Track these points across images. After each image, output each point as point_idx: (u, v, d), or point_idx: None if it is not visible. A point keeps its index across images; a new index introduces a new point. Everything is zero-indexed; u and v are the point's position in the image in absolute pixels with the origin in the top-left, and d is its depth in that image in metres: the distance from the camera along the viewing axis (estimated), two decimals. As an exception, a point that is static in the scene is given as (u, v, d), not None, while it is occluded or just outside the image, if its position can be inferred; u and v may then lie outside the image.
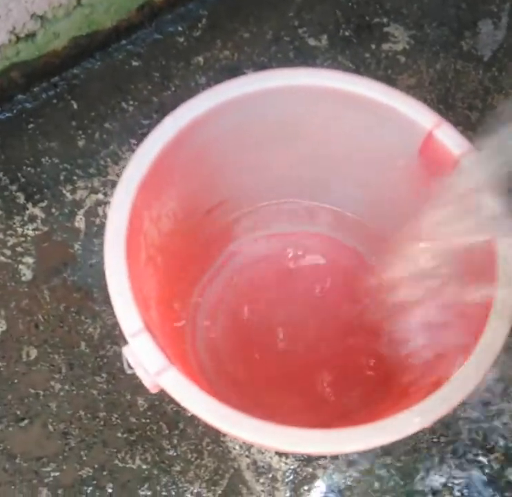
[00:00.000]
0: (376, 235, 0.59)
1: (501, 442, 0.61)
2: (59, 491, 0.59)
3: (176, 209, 0.50)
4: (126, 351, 0.40)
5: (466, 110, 0.73)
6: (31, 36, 0.66)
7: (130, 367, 0.40)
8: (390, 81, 0.74)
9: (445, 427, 0.61)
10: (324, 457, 0.60)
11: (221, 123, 0.48)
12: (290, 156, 0.53)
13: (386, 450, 0.61)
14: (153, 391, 0.40)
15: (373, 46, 0.76)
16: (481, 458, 0.61)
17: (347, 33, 0.76)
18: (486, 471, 0.61)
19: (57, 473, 0.59)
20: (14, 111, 0.72)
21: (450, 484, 0.60)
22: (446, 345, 0.46)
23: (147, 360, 0.39)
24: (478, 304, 0.43)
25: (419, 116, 0.46)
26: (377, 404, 0.51)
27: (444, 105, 0.73)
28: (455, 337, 0.45)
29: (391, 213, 0.56)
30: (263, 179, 0.56)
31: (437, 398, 0.39)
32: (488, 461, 0.61)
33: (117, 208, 0.42)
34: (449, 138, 0.45)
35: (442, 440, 0.61)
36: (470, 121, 0.73)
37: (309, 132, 0.50)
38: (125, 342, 0.41)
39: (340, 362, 0.58)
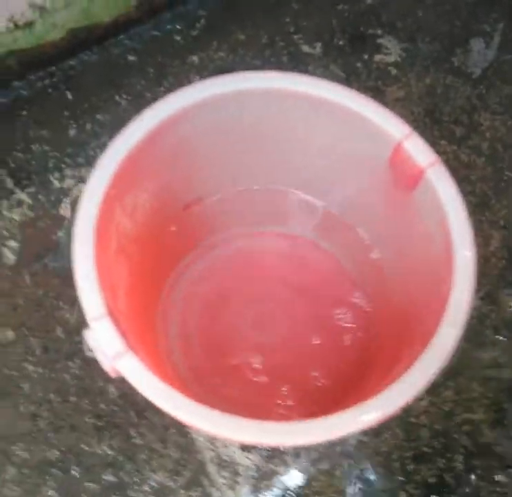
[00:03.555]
0: (353, 238, 0.60)
1: (461, 451, 0.62)
2: (25, 471, 0.60)
3: (151, 201, 0.51)
4: (87, 334, 0.41)
5: (452, 125, 0.75)
6: (29, 25, 0.67)
7: (90, 350, 0.41)
8: (379, 92, 0.76)
9: (406, 433, 0.63)
10: (286, 453, 0.61)
11: (199, 120, 0.49)
12: (265, 156, 0.54)
13: (349, 452, 0.62)
14: (112, 375, 0.42)
15: (365, 56, 0.77)
16: (440, 465, 0.62)
17: (341, 42, 0.78)
18: (446, 478, 0.62)
19: (25, 453, 0.60)
20: (10, 97, 0.73)
21: (409, 490, 0.61)
22: (402, 351, 0.48)
23: (106, 344, 0.40)
24: (433, 310, 0.44)
25: (390, 126, 0.47)
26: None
27: (431, 119, 0.74)
28: (411, 345, 0.46)
29: (368, 218, 0.58)
30: (240, 177, 0.58)
31: (381, 399, 0.40)
32: (447, 469, 0.62)
33: (89, 196, 0.43)
34: (417, 150, 0.46)
35: (404, 445, 0.62)
36: (455, 136, 0.74)
37: (283, 134, 0.52)
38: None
39: (307, 362, 0.60)
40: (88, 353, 0.42)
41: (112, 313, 0.42)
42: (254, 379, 0.60)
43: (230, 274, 0.62)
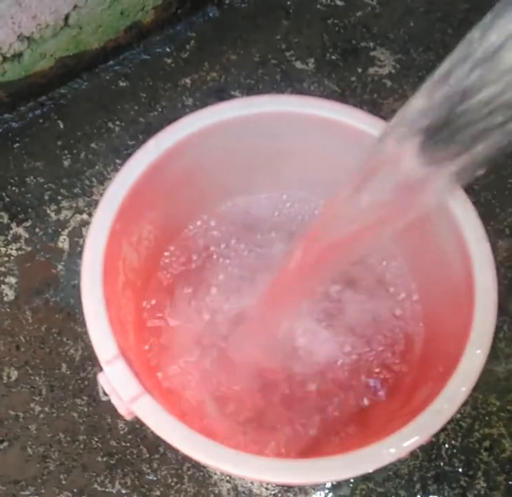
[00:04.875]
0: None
1: (483, 468, 0.61)
2: (37, 516, 0.58)
3: (156, 232, 0.50)
4: (101, 378, 0.39)
5: (451, 135, 0.74)
6: (17, 56, 0.66)
7: (105, 394, 0.40)
8: (375, 104, 0.74)
9: (426, 453, 0.61)
10: (305, 482, 0.60)
11: (203, 147, 0.48)
12: (274, 179, 0.53)
13: (368, 476, 0.60)
14: (128, 417, 0.40)
15: (359, 70, 0.76)
16: (463, 484, 0.60)
17: (334, 57, 0.77)
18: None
19: (35, 497, 0.59)
20: (0, 130, 0.72)
21: (431, 511, 0.60)
22: (425, 373, 0.46)
23: (121, 387, 0.39)
24: (454, 331, 0.43)
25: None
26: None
27: (429, 129, 0.73)
28: (433, 367, 0.45)
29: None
30: (248, 203, 0.57)
31: (412, 428, 0.38)
32: (470, 487, 0.60)
33: (95, 233, 0.42)
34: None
35: (424, 465, 0.61)
36: (455, 145, 0.73)
37: (292, 157, 0.50)
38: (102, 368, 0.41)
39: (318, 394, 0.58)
40: (103, 398, 0.40)
41: (125, 353, 0.40)
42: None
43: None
